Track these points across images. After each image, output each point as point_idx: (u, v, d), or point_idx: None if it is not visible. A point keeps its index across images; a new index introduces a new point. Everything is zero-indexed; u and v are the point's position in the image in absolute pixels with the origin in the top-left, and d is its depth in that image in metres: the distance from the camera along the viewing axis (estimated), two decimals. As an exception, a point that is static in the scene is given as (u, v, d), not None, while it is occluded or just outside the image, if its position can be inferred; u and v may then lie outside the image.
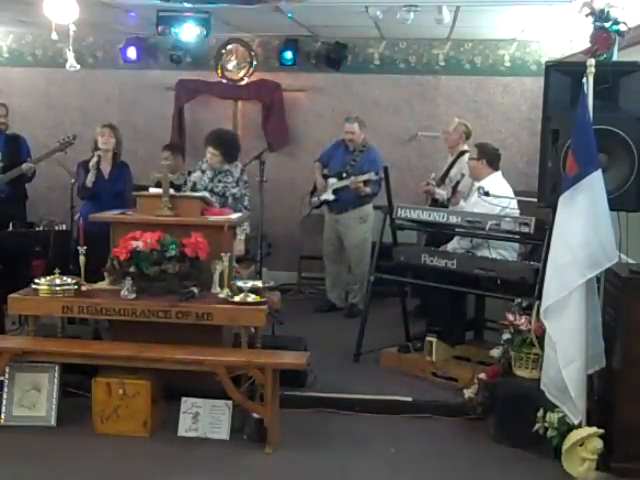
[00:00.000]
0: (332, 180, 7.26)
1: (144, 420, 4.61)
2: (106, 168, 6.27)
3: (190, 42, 7.61)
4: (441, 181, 6.88)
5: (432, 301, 5.96)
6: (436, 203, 6.70)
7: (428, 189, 6.76)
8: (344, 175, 7.15)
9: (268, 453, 4.41)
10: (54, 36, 5.14)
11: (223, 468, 4.27)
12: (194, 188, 6.12)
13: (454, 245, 5.79)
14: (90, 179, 6.16)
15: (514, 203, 5.68)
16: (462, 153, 6.86)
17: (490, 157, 5.84)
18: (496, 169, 5.87)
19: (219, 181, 6.19)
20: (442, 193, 6.71)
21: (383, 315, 6.44)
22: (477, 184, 5.80)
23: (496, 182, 5.78)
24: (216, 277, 4.93)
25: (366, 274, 7.06)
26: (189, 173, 6.50)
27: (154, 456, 4.39)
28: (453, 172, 6.83)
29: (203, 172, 6.21)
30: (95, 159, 6.17)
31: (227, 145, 6.22)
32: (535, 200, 4.78)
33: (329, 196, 7.26)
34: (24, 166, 6.78)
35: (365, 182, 7.01)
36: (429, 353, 5.53)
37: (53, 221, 6.80)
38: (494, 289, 5.34)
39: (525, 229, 5.14)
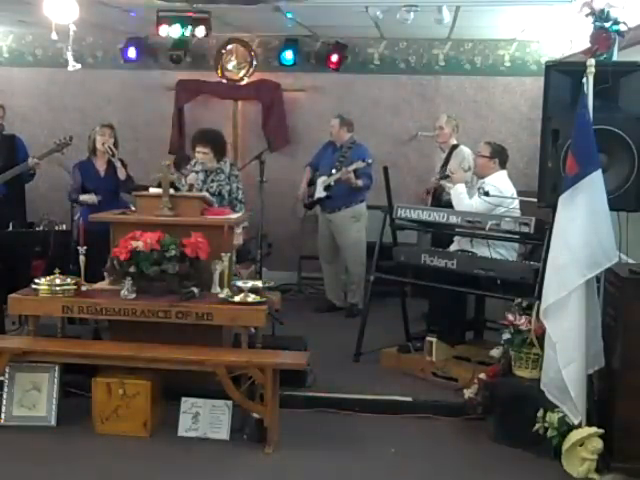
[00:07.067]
0: (322, 178, 7.26)
1: (144, 420, 4.60)
2: (102, 167, 6.29)
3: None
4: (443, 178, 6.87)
5: (432, 301, 5.96)
6: (439, 204, 6.68)
7: (436, 187, 6.75)
8: (333, 171, 7.17)
9: (268, 453, 4.41)
10: (54, 36, 5.14)
11: (223, 468, 4.27)
12: (190, 190, 6.10)
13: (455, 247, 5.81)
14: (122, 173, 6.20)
15: (516, 203, 5.69)
16: (454, 147, 6.92)
17: (503, 158, 5.89)
18: (503, 168, 5.89)
19: (212, 181, 6.13)
20: (449, 185, 6.69)
21: (383, 315, 6.43)
22: (480, 181, 5.82)
23: (502, 180, 5.79)
24: (216, 277, 4.92)
25: (362, 273, 7.09)
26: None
27: (154, 456, 4.39)
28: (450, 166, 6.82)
29: (197, 173, 6.17)
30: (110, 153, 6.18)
31: (215, 141, 6.22)
32: (535, 200, 4.78)
33: (320, 194, 7.26)
34: (30, 161, 6.72)
35: (355, 173, 7.01)
36: (429, 353, 5.53)
37: (53, 221, 6.77)
38: (494, 289, 5.34)
39: (525, 229, 5.14)
